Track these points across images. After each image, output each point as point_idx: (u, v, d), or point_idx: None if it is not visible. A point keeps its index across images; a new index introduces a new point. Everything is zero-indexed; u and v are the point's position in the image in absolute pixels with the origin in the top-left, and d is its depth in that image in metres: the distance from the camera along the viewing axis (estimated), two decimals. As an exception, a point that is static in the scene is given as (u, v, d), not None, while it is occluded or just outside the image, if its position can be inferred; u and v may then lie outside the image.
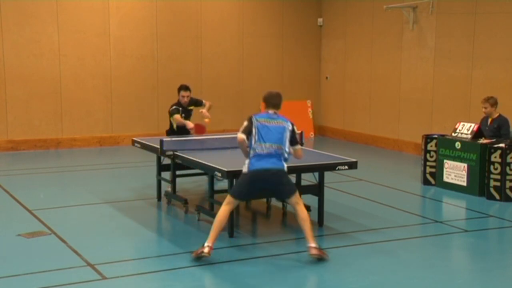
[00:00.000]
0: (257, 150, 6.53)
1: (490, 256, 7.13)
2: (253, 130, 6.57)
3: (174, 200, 8.84)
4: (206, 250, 6.45)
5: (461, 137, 9.90)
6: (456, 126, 10.17)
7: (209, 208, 7.95)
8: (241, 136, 6.62)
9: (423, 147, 10.44)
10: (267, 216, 8.56)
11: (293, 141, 6.69)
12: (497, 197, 9.28)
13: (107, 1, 13.74)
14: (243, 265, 6.53)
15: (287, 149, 6.62)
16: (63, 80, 13.59)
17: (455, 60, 12.35)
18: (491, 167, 9.31)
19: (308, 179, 8.70)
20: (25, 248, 7.04)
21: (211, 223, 7.75)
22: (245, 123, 6.69)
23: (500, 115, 9.95)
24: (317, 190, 7.82)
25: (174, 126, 9.62)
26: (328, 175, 8.25)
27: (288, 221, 8.29)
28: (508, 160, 9.21)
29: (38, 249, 7.00)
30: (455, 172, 9.83)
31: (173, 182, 8.74)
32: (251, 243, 7.37)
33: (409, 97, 13.43)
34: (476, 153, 9.53)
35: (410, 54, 13.34)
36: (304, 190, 8.25)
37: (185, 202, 8.44)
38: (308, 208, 8.16)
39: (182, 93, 9.61)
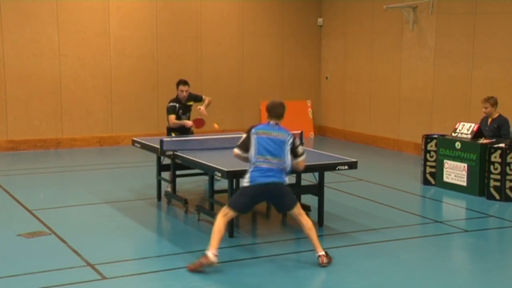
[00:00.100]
0: (257, 163, 6.45)
1: (490, 256, 7.13)
2: (252, 142, 6.51)
3: (174, 200, 8.84)
4: (214, 259, 6.27)
5: (461, 137, 9.90)
6: (456, 126, 10.17)
7: (209, 208, 7.95)
8: (235, 151, 6.65)
9: (423, 147, 10.44)
10: (267, 216, 8.56)
11: (295, 154, 6.59)
12: (497, 197, 9.28)
13: (107, 1, 13.74)
14: (243, 265, 6.53)
15: (288, 162, 6.51)
16: (63, 80, 13.59)
17: (455, 60, 12.35)
18: (491, 167, 9.31)
19: (308, 179, 8.70)
20: (25, 248, 7.04)
21: (211, 223, 7.76)
22: (243, 136, 6.69)
23: (500, 115, 9.95)
24: (317, 190, 7.82)
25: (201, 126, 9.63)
26: (328, 175, 8.25)
27: (288, 221, 8.28)
28: (508, 160, 9.21)
29: (38, 249, 7.00)
30: (455, 172, 9.83)
31: (173, 182, 8.74)
32: (251, 243, 7.37)
33: (409, 97, 13.43)
34: (476, 153, 9.54)
35: (410, 54, 13.34)
36: (304, 190, 8.27)
37: (185, 202, 8.45)
38: (308, 208, 8.18)
39: (181, 87, 9.61)
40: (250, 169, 6.49)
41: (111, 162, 12.49)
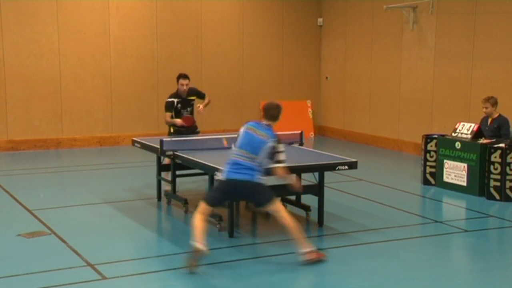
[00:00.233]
0: (233, 156, 6.53)
1: (490, 256, 7.13)
2: (239, 135, 6.63)
3: (174, 200, 8.84)
4: (202, 247, 6.28)
5: (461, 137, 9.90)
6: (456, 126, 10.17)
7: (209, 208, 7.93)
8: (232, 147, 6.78)
9: (423, 147, 10.44)
10: (267, 216, 8.55)
11: (272, 158, 6.54)
12: (497, 197, 9.28)
13: (107, 1, 13.74)
14: (243, 265, 6.53)
15: (260, 162, 6.48)
16: (63, 80, 13.59)
17: (455, 60, 12.35)
18: (491, 167, 9.31)
19: (308, 179, 8.69)
20: (25, 248, 7.04)
21: (211, 223, 7.76)
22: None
23: (500, 115, 9.95)
24: (317, 190, 7.82)
25: (190, 124, 9.62)
26: (328, 175, 8.25)
27: (288, 221, 8.28)
28: (508, 160, 9.21)
29: (38, 249, 7.00)
30: (455, 172, 9.83)
31: (173, 182, 8.73)
32: (251, 243, 7.37)
33: (409, 97, 13.43)
34: (476, 153, 9.54)
35: (410, 54, 13.34)
36: (304, 190, 8.26)
37: (185, 202, 8.44)
38: (308, 208, 8.18)
39: (181, 81, 9.61)
40: (227, 161, 6.57)
41: (111, 162, 12.49)
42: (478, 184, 9.50)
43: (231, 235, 7.37)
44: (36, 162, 12.34)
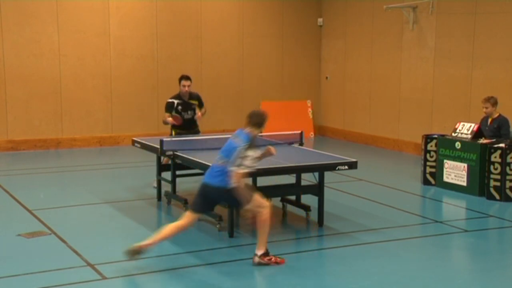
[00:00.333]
0: (215, 161, 6.55)
1: (490, 256, 7.13)
2: None
3: (174, 200, 8.84)
4: (138, 244, 6.32)
5: (461, 137, 9.90)
6: (456, 126, 10.17)
7: (209, 208, 7.94)
8: None
9: (423, 147, 10.44)
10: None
11: (236, 162, 6.32)
12: (497, 197, 9.28)
13: (107, 1, 13.74)
14: (243, 265, 6.53)
15: (234, 166, 6.33)
16: (63, 80, 13.59)
17: (455, 60, 12.35)
18: (491, 167, 9.31)
19: (308, 179, 8.70)
20: (25, 248, 7.04)
21: (211, 223, 7.77)
22: None
23: (500, 115, 9.95)
24: (317, 190, 7.82)
25: (179, 123, 9.65)
26: (328, 175, 8.25)
27: (288, 221, 8.29)
28: (508, 160, 9.21)
29: (38, 249, 7.00)
30: (455, 172, 9.83)
31: (173, 182, 8.74)
32: (251, 243, 7.36)
33: (409, 97, 13.43)
34: (476, 153, 9.54)
35: (410, 54, 13.34)
36: (304, 190, 8.27)
37: (185, 202, 8.44)
38: (308, 208, 8.18)
39: (183, 82, 9.69)
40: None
41: (111, 162, 12.49)
42: (478, 184, 9.50)
43: (231, 235, 7.37)
44: (36, 162, 12.34)
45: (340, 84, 15.39)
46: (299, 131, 9.05)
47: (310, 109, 15.83)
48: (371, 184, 10.42)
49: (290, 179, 8.76)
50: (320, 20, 15.77)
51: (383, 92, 14.12)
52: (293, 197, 8.44)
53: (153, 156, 9.16)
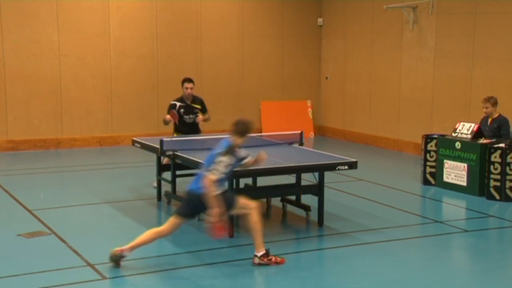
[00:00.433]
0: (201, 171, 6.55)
1: (490, 256, 7.13)
2: None
3: (174, 200, 8.84)
4: (116, 249, 6.32)
5: (461, 137, 9.90)
6: (456, 126, 10.17)
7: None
8: None
9: (423, 147, 10.44)
10: (267, 216, 8.56)
11: (210, 168, 6.31)
12: (497, 197, 9.28)
13: (107, 1, 13.74)
14: (243, 266, 6.53)
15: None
16: (63, 80, 13.59)
17: (455, 60, 12.35)
18: (491, 167, 9.31)
19: (308, 179, 8.70)
20: (25, 248, 7.04)
21: (207, 228, 7.76)
22: None
23: (500, 115, 9.95)
24: (317, 190, 7.82)
25: (176, 121, 9.66)
26: (328, 175, 8.25)
27: (288, 221, 8.29)
28: (508, 160, 9.21)
29: (38, 249, 7.00)
30: (455, 172, 9.83)
31: (173, 182, 8.73)
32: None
33: (409, 97, 13.43)
34: (476, 153, 9.53)
35: (410, 54, 13.34)
36: (304, 190, 8.27)
37: (185, 202, 8.43)
38: (308, 208, 8.18)
39: (186, 84, 9.72)
40: None
41: (111, 162, 12.50)
42: (478, 184, 9.50)
43: (231, 235, 7.36)
44: (36, 162, 12.34)
45: (340, 84, 15.39)
46: (299, 131, 9.05)
47: (310, 109, 15.83)
48: (371, 184, 10.42)
49: (290, 179, 8.77)
50: (320, 20, 15.77)
51: (383, 92, 14.12)
52: (293, 197, 8.44)
53: (153, 156, 9.16)
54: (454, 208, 9.29)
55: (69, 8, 13.49)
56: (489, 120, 10.00)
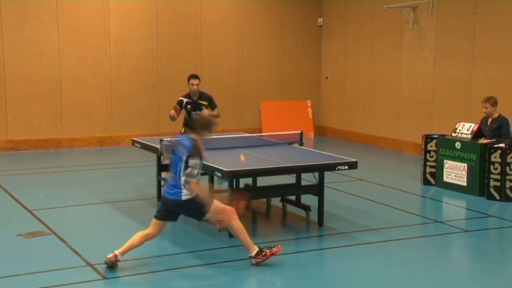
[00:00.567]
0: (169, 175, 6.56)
1: (490, 256, 7.13)
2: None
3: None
4: (109, 255, 6.31)
5: (461, 137, 9.90)
6: (456, 126, 10.17)
7: (209, 208, 7.93)
8: None
9: (423, 147, 10.44)
10: (267, 216, 8.56)
11: (185, 172, 6.27)
12: (497, 197, 9.28)
13: (107, 1, 13.73)
14: (243, 266, 6.52)
15: (180, 179, 6.28)
16: (63, 80, 13.59)
17: (455, 60, 12.35)
18: (491, 167, 9.31)
19: (308, 179, 8.70)
20: (25, 248, 7.04)
21: (211, 223, 7.76)
22: None
23: (500, 115, 9.95)
24: (317, 190, 7.82)
25: (177, 116, 9.69)
26: (328, 175, 8.25)
27: (288, 221, 8.29)
28: (508, 160, 9.21)
29: (38, 249, 7.00)
30: (455, 172, 9.83)
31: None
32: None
33: (409, 97, 13.43)
34: (476, 153, 9.53)
35: (410, 54, 13.34)
36: (304, 190, 8.27)
37: (185, 202, 8.43)
38: (308, 208, 8.18)
39: (192, 81, 9.77)
40: None
41: (111, 162, 12.50)
42: (478, 184, 9.50)
43: (231, 235, 7.36)
44: (36, 162, 12.34)
45: (340, 84, 15.39)
46: (299, 131, 9.05)
47: (310, 109, 15.82)
48: (371, 184, 10.43)
49: (290, 179, 8.77)
50: (320, 20, 15.77)
51: (383, 92, 14.12)
52: (293, 197, 8.44)
53: (153, 156, 9.16)
54: (454, 208, 9.29)
55: (69, 8, 13.49)
56: (489, 120, 10.00)
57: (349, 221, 8.20)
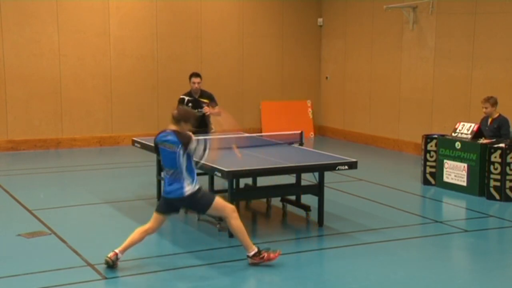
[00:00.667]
0: (164, 174, 6.54)
1: (490, 256, 7.13)
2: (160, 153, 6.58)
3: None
4: (110, 254, 6.31)
5: (461, 137, 9.90)
6: (456, 126, 10.17)
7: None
8: None
9: (423, 147, 10.44)
10: (267, 216, 8.56)
11: (196, 156, 6.36)
12: (497, 197, 9.28)
13: (107, 1, 13.73)
14: (243, 266, 6.52)
15: (183, 172, 6.30)
16: (63, 80, 13.59)
17: (455, 60, 12.35)
18: (491, 167, 9.31)
19: (308, 179, 8.70)
20: (25, 248, 7.04)
21: (211, 223, 7.77)
22: None
23: (500, 115, 9.95)
24: (317, 190, 7.82)
25: None
26: (328, 175, 8.25)
27: (288, 221, 8.29)
28: (508, 160, 9.21)
29: (38, 249, 7.00)
30: (455, 172, 9.83)
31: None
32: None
33: (409, 97, 13.43)
34: (476, 153, 9.53)
35: (410, 54, 13.34)
36: (304, 190, 8.27)
37: (185, 202, 8.42)
38: (308, 208, 8.18)
39: (193, 79, 9.83)
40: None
41: (111, 162, 12.50)
42: (478, 184, 9.50)
43: (231, 235, 7.36)
44: (36, 162, 12.34)
45: (340, 84, 15.39)
46: (299, 131, 9.05)
47: (310, 109, 15.83)
48: (371, 184, 10.42)
49: (290, 179, 8.77)
50: (320, 20, 15.77)
51: (383, 92, 14.12)
52: (293, 197, 8.44)
53: (153, 156, 9.15)
54: (454, 208, 9.29)
55: (69, 8, 13.49)
56: (489, 120, 10.00)
57: (349, 221, 8.20)
